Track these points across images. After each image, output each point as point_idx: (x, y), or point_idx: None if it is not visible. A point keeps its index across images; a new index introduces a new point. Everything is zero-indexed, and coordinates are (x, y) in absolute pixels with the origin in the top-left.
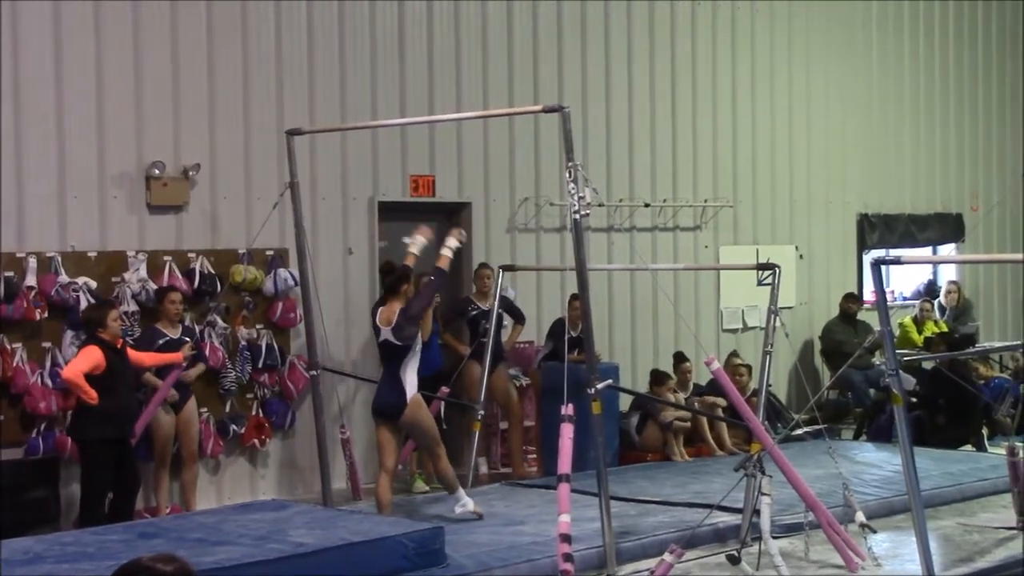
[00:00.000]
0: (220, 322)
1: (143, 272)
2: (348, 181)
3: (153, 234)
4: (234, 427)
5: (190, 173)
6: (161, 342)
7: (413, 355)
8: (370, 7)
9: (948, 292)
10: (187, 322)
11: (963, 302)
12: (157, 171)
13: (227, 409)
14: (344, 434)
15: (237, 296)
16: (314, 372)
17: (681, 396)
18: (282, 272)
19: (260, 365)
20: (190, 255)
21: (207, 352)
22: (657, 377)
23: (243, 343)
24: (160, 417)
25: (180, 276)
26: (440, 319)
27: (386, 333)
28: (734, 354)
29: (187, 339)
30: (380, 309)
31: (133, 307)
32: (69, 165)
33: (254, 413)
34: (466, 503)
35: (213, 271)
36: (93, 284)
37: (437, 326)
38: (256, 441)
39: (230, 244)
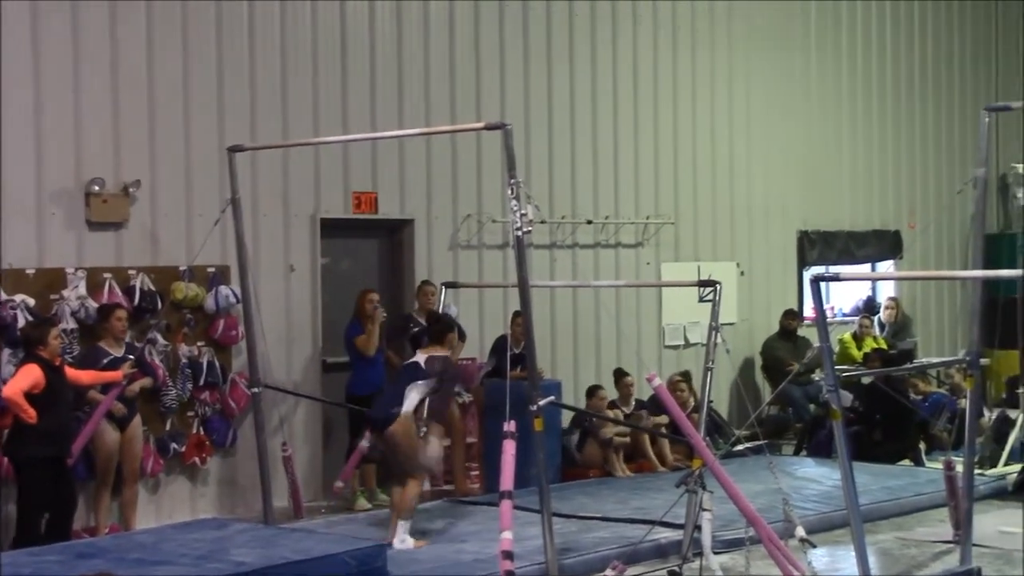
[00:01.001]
0: (161, 339)
1: (82, 289)
2: (290, 198)
3: (92, 251)
4: (174, 445)
5: (130, 189)
6: (106, 360)
7: (426, 386)
8: (312, 24)
9: (887, 308)
10: (126, 339)
11: (902, 318)
12: (97, 187)
13: (167, 427)
14: (286, 452)
15: (178, 313)
16: (256, 390)
17: (621, 412)
18: (223, 289)
19: (201, 383)
20: (130, 272)
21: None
22: (590, 390)
23: (184, 360)
24: (105, 434)
25: (120, 293)
26: (382, 336)
27: (419, 357)
28: (684, 378)
29: (131, 356)
30: (420, 350)
31: (72, 325)
32: (7, 182)
33: (195, 431)
34: (406, 540)
35: (154, 288)
36: (31, 302)
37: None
38: (197, 459)
39: (171, 261)
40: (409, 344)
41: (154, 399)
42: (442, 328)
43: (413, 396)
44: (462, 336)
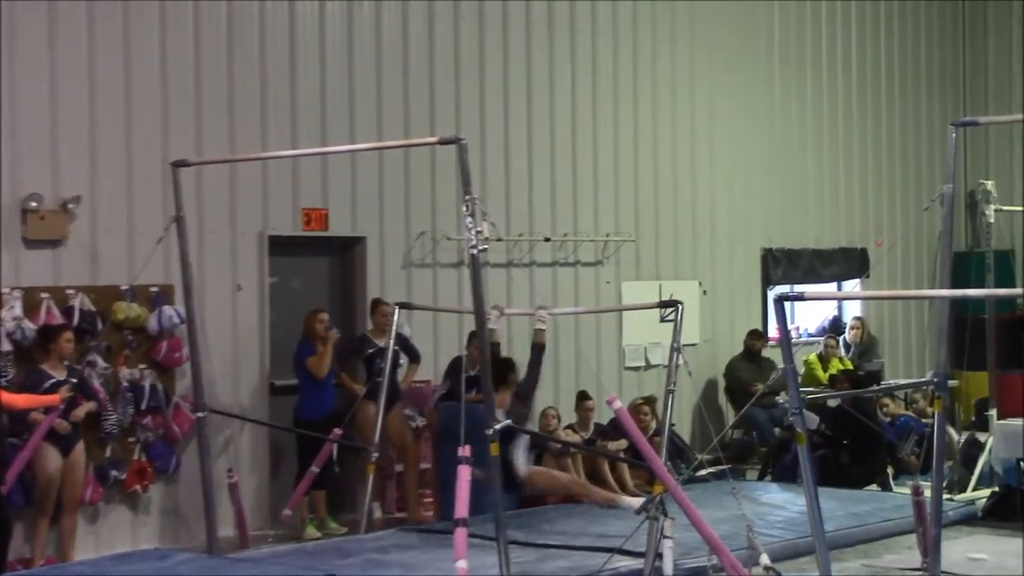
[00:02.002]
0: (101, 362)
1: (18, 310)
2: (237, 214)
3: (29, 270)
4: (114, 472)
5: (69, 206)
6: (48, 384)
7: (520, 437)
8: (260, 34)
9: (852, 328)
10: (65, 362)
11: (867, 338)
12: (34, 203)
13: (107, 453)
14: (232, 478)
15: (119, 335)
16: (201, 414)
17: (580, 437)
18: (167, 309)
19: (143, 407)
20: (69, 292)
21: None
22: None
23: (125, 384)
24: (47, 459)
25: (58, 314)
26: (335, 358)
27: (499, 415)
28: (648, 402)
29: (73, 380)
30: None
31: (7, 347)
32: None
33: (136, 457)
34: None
35: (94, 308)
36: None
37: (335, 368)
38: (138, 487)
39: (112, 280)
40: (363, 365)
41: (94, 424)
42: (504, 370)
43: (520, 455)
44: (416, 358)
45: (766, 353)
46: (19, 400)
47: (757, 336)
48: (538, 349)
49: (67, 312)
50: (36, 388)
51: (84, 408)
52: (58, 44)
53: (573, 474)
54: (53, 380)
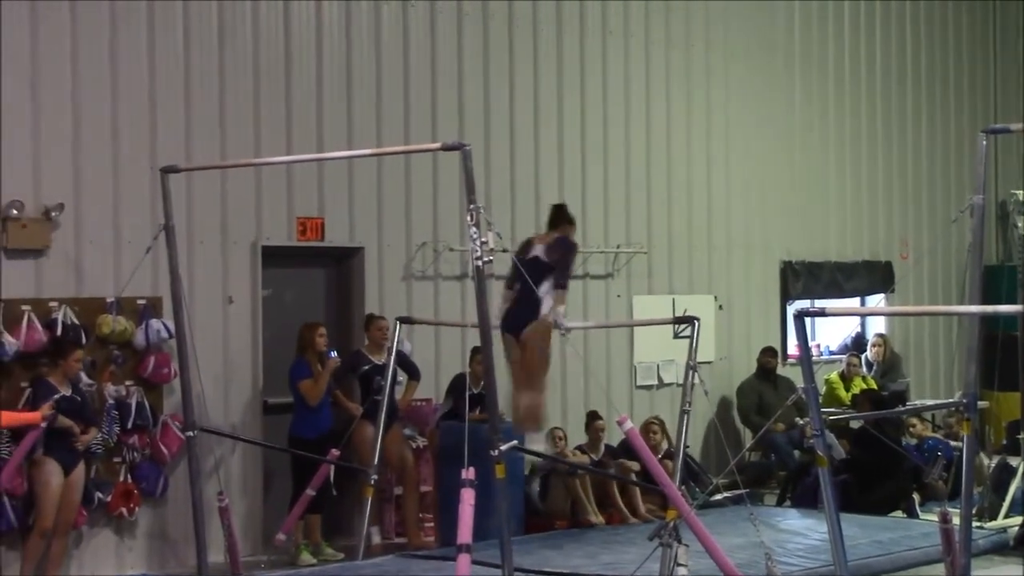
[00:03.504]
0: (85, 378)
1: None
2: (228, 224)
3: (10, 281)
4: (99, 494)
5: (52, 214)
6: (56, 397)
7: (551, 277)
8: (253, 35)
9: (874, 346)
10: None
11: (890, 357)
12: (15, 211)
13: (91, 474)
14: (222, 502)
15: (104, 349)
16: (190, 433)
17: (590, 458)
18: (155, 323)
19: (129, 425)
20: (52, 304)
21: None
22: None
23: (110, 401)
24: (50, 477)
25: (40, 327)
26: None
27: (538, 250)
28: (657, 421)
29: (78, 398)
30: (533, 239)
31: None
32: None
33: (122, 479)
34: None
35: (78, 322)
36: None
37: (331, 385)
38: (124, 510)
39: (97, 292)
40: (359, 384)
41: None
42: (558, 214)
43: (547, 300)
44: (416, 375)
45: (785, 372)
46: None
47: (772, 354)
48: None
49: (49, 326)
50: (44, 400)
51: (91, 436)
52: (41, 45)
53: (580, 495)
54: (59, 395)
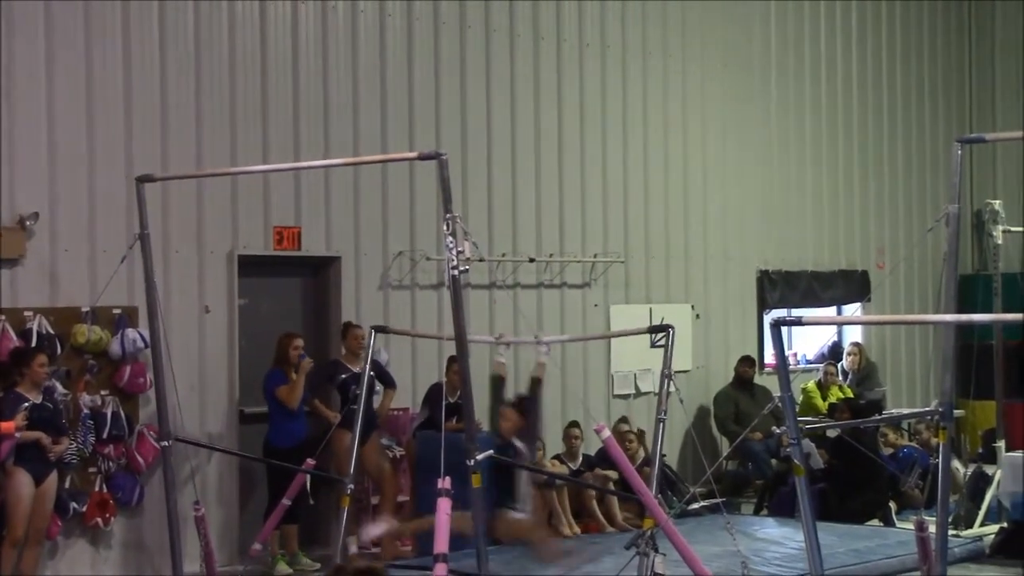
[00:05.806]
0: (60, 388)
1: None
2: (205, 233)
3: None
4: (74, 504)
5: (27, 223)
6: (25, 406)
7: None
8: (229, 41)
9: (850, 355)
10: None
11: (866, 365)
12: None
13: (67, 484)
14: (198, 511)
15: (79, 359)
16: (166, 443)
17: (567, 467)
18: (130, 333)
19: (105, 435)
20: (26, 313)
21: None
22: None
23: (86, 411)
24: (20, 486)
25: (14, 336)
26: (307, 385)
27: (516, 442)
28: (623, 420)
29: (50, 405)
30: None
31: None
32: None
33: (97, 489)
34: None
35: (52, 331)
36: None
37: (307, 395)
38: (99, 520)
39: (72, 301)
40: (338, 392)
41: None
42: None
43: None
44: (391, 385)
45: (762, 380)
46: None
47: (749, 363)
48: (538, 384)
49: (24, 335)
50: (13, 412)
51: (63, 447)
52: (15, 52)
53: (556, 507)
54: (29, 403)
